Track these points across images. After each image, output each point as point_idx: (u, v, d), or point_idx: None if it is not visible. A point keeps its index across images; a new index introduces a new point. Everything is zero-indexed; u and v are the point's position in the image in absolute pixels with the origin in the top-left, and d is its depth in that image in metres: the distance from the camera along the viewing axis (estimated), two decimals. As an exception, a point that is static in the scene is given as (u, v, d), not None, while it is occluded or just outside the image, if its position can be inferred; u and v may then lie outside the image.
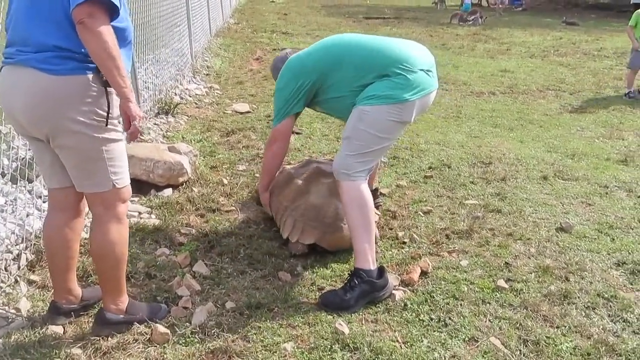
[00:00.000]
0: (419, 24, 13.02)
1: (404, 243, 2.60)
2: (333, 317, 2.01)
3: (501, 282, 2.25)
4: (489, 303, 2.12)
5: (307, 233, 2.42)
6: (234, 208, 2.95)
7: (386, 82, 2.13)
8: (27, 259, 2.27)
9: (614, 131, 4.59)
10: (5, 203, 2.44)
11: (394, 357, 1.80)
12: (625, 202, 3.11)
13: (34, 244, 2.32)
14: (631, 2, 16.41)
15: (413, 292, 2.19)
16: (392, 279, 2.21)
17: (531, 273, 2.34)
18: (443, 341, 1.90)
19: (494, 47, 9.48)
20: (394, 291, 2.15)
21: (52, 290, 1.97)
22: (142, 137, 3.64)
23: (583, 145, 4.19)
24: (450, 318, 2.02)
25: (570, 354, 1.85)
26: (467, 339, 1.92)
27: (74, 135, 1.63)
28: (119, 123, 1.73)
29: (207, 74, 6.50)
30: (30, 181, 2.68)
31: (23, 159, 2.72)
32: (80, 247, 2.02)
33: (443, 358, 1.82)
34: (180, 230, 2.66)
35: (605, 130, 4.63)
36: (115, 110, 1.69)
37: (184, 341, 1.86)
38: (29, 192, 2.61)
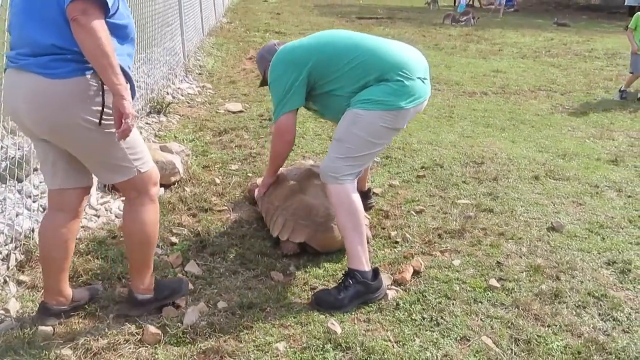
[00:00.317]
0: (412, 24, 13.05)
1: (397, 242, 2.61)
2: (325, 317, 2.00)
3: (493, 282, 2.26)
4: (481, 302, 2.13)
5: (298, 231, 2.41)
6: (226, 208, 2.94)
7: (383, 87, 2.11)
8: (16, 259, 2.24)
9: (604, 131, 4.63)
10: (-6, 203, 2.41)
11: (386, 356, 1.80)
12: (615, 202, 3.14)
13: (24, 244, 2.30)
14: (625, 4, 16.55)
15: (405, 291, 2.19)
16: (385, 278, 2.21)
17: (522, 272, 2.36)
18: (435, 340, 1.90)
19: (486, 48, 9.52)
20: (387, 291, 2.15)
21: (42, 291, 1.95)
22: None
23: (574, 145, 4.22)
24: (442, 317, 2.02)
25: (561, 352, 1.86)
26: (459, 338, 1.92)
27: (87, 135, 1.66)
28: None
29: (199, 73, 6.47)
30: (19, 181, 2.65)
31: (12, 158, 2.69)
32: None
33: (435, 357, 1.82)
34: (172, 230, 2.65)
35: (596, 130, 4.67)
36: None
37: (175, 341, 1.85)
38: (19, 191, 2.58)
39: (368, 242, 2.35)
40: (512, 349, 1.87)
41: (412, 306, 2.09)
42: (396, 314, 2.04)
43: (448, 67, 7.42)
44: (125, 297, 2.01)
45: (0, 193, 2.48)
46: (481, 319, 2.03)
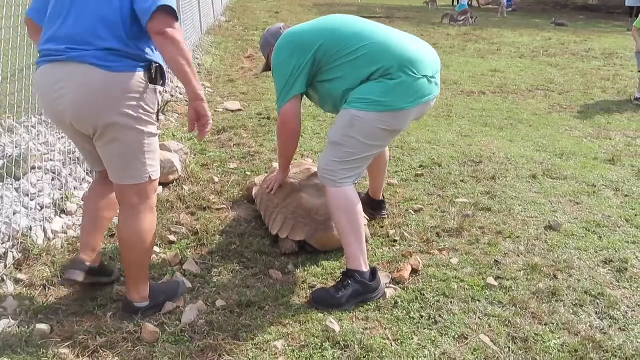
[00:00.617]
0: (410, 23, 13.05)
1: (395, 241, 2.61)
2: (324, 315, 2.01)
3: (490, 280, 2.27)
4: (479, 300, 2.13)
5: (298, 229, 2.41)
6: (224, 206, 2.94)
7: (384, 84, 2.00)
8: (13, 257, 2.24)
9: (601, 131, 4.64)
10: (-8, 200, 2.41)
11: (384, 354, 1.81)
12: (612, 201, 3.15)
13: (21, 242, 2.30)
14: (625, 5, 16.57)
15: (403, 289, 2.20)
16: (383, 277, 2.21)
17: (520, 271, 2.36)
18: (433, 338, 1.90)
19: (484, 47, 9.53)
20: (385, 289, 2.15)
21: (79, 248, 2.05)
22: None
23: (571, 144, 4.24)
24: (440, 315, 2.03)
25: (558, 350, 1.87)
26: (456, 336, 1.93)
27: (121, 128, 1.72)
28: (157, 120, 1.85)
29: (197, 72, 6.46)
30: (17, 179, 2.65)
31: (10, 156, 2.68)
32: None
33: (433, 355, 1.83)
34: (170, 228, 2.65)
35: (593, 129, 4.68)
36: (157, 107, 1.81)
37: (173, 339, 1.85)
38: (16, 189, 2.57)
39: (366, 241, 2.36)
40: (509, 347, 1.87)
41: (410, 304, 2.09)
42: (394, 312, 2.05)
43: (446, 66, 7.42)
44: (122, 302, 1.98)
45: (-2, 191, 2.48)
46: (479, 317, 2.03)
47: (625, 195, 3.24)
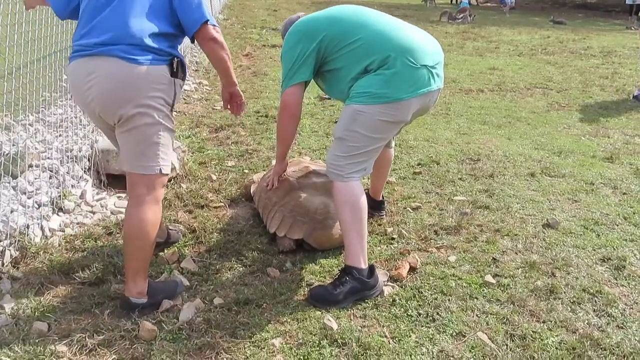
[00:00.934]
0: (409, 21, 12.98)
1: (393, 239, 2.61)
2: (321, 313, 2.01)
3: (488, 278, 2.27)
4: (477, 298, 2.13)
5: (296, 228, 2.41)
6: (222, 204, 2.93)
7: (381, 76, 2.01)
8: (11, 255, 2.23)
9: (599, 129, 4.64)
10: (-11, 199, 2.40)
11: (382, 352, 1.81)
12: (610, 199, 3.15)
13: (18, 241, 2.29)
14: (626, 3, 16.57)
15: (401, 287, 2.20)
16: (381, 274, 2.21)
17: (518, 269, 2.36)
18: (431, 336, 1.91)
19: (483, 45, 9.53)
20: (383, 287, 2.15)
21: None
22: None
23: (569, 142, 4.24)
24: (438, 313, 2.03)
25: (556, 348, 1.87)
26: (454, 334, 1.93)
27: (141, 117, 1.84)
28: (171, 111, 1.97)
29: (195, 70, 6.45)
30: (14, 177, 2.64)
31: (7, 154, 2.67)
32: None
33: (431, 353, 1.83)
34: (168, 226, 2.64)
35: (591, 128, 4.69)
36: (175, 99, 1.94)
37: (171, 337, 1.85)
38: (13, 188, 2.57)
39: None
40: (507, 345, 1.88)
41: (408, 302, 2.09)
42: (392, 310, 2.05)
43: (445, 65, 7.37)
44: (120, 299, 1.99)
45: (-5, 189, 2.47)
46: (477, 315, 2.03)
47: (624, 193, 3.24)
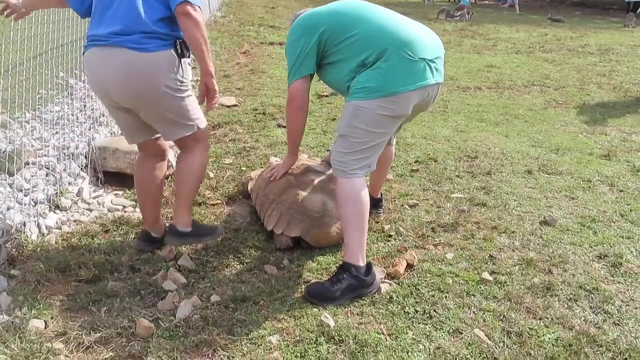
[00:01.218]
0: (407, 19, 13.02)
1: (390, 236, 2.61)
2: (319, 310, 2.01)
3: (485, 275, 2.27)
4: (474, 295, 2.14)
5: (293, 226, 2.41)
6: (219, 201, 2.93)
7: (379, 71, 2.01)
8: (7, 253, 2.23)
9: (597, 126, 4.65)
10: (-15, 196, 2.39)
11: (379, 349, 1.81)
12: (607, 196, 3.16)
13: (15, 238, 2.28)
14: (624, 1, 16.57)
15: (399, 284, 2.20)
16: (378, 272, 2.22)
17: (515, 266, 2.37)
18: (428, 333, 1.91)
19: (481, 43, 9.53)
20: (380, 284, 2.15)
21: (143, 222, 2.42)
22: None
23: (567, 140, 4.24)
24: (435, 310, 2.03)
25: (553, 345, 1.87)
26: (451, 330, 1.93)
27: (163, 99, 2.03)
28: (190, 85, 2.13)
29: (193, 67, 6.43)
30: (11, 174, 2.63)
31: (4, 152, 2.66)
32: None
33: (427, 350, 1.83)
34: (165, 223, 2.63)
35: (589, 125, 4.69)
36: (188, 75, 2.09)
37: (168, 335, 1.85)
38: (10, 185, 2.56)
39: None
40: (504, 342, 1.88)
41: (405, 299, 2.10)
42: (389, 307, 2.05)
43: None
44: (168, 228, 2.32)
45: (-9, 186, 2.46)
46: (474, 312, 2.04)
47: (621, 191, 3.25)
